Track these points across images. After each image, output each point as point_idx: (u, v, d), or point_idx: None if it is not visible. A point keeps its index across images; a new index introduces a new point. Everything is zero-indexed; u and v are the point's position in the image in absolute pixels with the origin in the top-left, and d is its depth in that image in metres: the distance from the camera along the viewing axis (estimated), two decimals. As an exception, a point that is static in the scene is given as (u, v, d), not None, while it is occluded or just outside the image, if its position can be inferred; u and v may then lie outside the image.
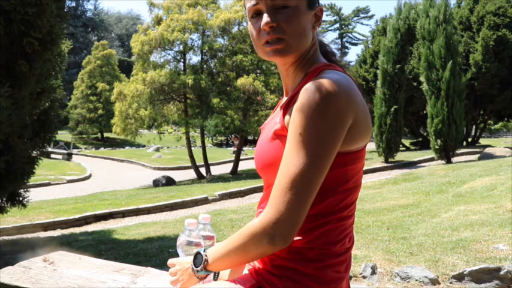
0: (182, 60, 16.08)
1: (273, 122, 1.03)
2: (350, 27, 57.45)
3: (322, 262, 0.94)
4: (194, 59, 17.12)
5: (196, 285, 1.08)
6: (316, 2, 1.02)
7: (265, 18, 0.96)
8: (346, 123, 0.89)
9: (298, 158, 0.87)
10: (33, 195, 5.68)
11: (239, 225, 5.64)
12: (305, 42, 1.00)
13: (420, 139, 20.23)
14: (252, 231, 0.91)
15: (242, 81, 14.30)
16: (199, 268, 1.01)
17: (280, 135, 0.96)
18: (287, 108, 0.97)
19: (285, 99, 1.08)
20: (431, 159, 13.47)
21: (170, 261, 1.14)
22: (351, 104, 0.90)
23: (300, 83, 0.99)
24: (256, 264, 1.02)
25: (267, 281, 0.97)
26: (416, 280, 2.83)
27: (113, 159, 24.42)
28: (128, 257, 4.24)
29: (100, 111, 31.55)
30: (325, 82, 0.89)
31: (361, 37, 55.07)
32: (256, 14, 0.99)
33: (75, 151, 26.70)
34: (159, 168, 19.61)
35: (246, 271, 1.08)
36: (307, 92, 0.89)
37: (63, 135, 30.22)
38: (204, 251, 1.03)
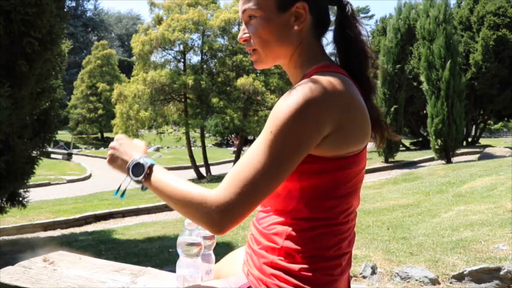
0: (182, 60, 16.08)
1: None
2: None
3: (312, 265, 0.93)
4: (194, 59, 17.16)
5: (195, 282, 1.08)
6: (290, 2, 0.95)
7: (240, 32, 1.02)
8: (321, 130, 0.86)
9: (263, 155, 0.86)
10: (33, 195, 5.68)
11: (239, 225, 5.63)
12: (279, 49, 0.99)
13: (420, 139, 20.23)
14: (202, 197, 0.88)
15: (242, 81, 14.30)
16: (137, 178, 0.99)
17: None
18: None
19: None
20: (431, 159, 13.47)
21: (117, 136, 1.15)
22: (332, 109, 0.86)
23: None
24: (250, 264, 1.02)
25: (257, 281, 0.97)
26: (416, 280, 2.83)
27: (113, 159, 24.37)
28: (128, 257, 4.24)
29: (100, 111, 31.56)
30: (306, 86, 0.87)
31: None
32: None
33: (75, 151, 26.71)
34: (159, 168, 19.57)
35: (240, 271, 1.08)
36: (287, 94, 0.88)
37: (63, 135, 30.22)
38: (149, 165, 0.99)
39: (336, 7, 1.03)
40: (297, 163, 0.87)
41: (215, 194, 0.87)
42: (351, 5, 1.02)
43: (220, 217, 0.86)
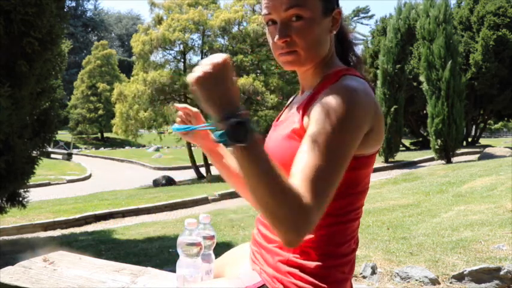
0: (182, 60, 16.08)
1: (290, 120, 1.01)
2: (350, 27, 57.38)
3: (327, 262, 0.94)
4: (194, 59, 17.11)
5: (204, 281, 1.08)
6: (332, 7, 0.98)
7: (278, 33, 0.95)
8: (364, 130, 0.90)
9: (323, 158, 0.83)
10: (33, 195, 5.68)
11: (239, 225, 5.64)
12: (320, 51, 0.99)
13: (420, 139, 20.24)
14: (298, 195, 0.77)
15: (242, 81, 14.30)
16: (237, 143, 0.76)
17: (298, 135, 0.94)
18: (306, 110, 0.96)
19: (299, 97, 1.10)
20: (431, 159, 13.47)
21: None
22: (370, 111, 0.90)
23: (318, 85, 0.99)
24: (262, 262, 1.02)
25: (272, 279, 0.97)
26: (416, 280, 2.83)
27: (113, 159, 24.43)
28: (128, 257, 4.24)
29: (100, 111, 31.57)
30: (349, 90, 0.89)
31: (361, 37, 55.06)
32: (272, 22, 0.97)
33: (75, 151, 26.72)
34: (159, 168, 19.61)
35: (249, 268, 1.07)
36: (333, 97, 0.88)
37: (63, 135, 30.22)
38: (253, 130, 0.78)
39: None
40: (348, 162, 0.88)
41: (305, 195, 0.78)
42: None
43: (304, 223, 0.77)
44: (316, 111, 0.89)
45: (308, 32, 0.94)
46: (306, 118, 0.94)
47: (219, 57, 0.82)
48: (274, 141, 1.02)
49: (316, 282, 0.93)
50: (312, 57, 0.98)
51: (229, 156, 1.23)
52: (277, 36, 0.95)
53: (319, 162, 0.82)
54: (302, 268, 0.94)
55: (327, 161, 0.83)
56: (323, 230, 0.95)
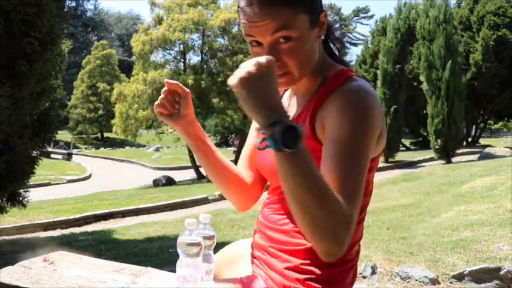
0: (182, 60, 16.09)
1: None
2: (350, 27, 57.48)
3: (336, 268, 0.93)
4: (194, 59, 17.15)
5: (204, 285, 1.08)
6: (317, 15, 0.92)
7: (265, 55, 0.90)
8: (378, 131, 0.89)
9: (351, 168, 0.82)
10: (33, 195, 5.67)
11: (239, 225, 5.64)
12: (312, 65, 0.95)
13: (420, 139, 20.24)
14: (339, 202, 0.75)
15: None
16: (287, 148, 0.72)
17: (308, 147, 0.89)
18: (314, 115, 0.92)
19: (293, 98, 1.06)
20: (431, 159, 13.47)
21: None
22: (381, 112, 0.90)
23: (320, 88, 0.96)
24: (266, 267, 1.00)
25: (279, 286, 0.95)
26: (416, 280, 2.83)
27: (113, 159, 24.44)
28: (128, 257, 4.24)
29: (100, 111, 31.57)
30: (361, 93, 0.88)
31: (361, 37, 55.11)
32: (256, 43, 0.91)
33: (75, 151, 26.72)
34: (159, 168, 19.61)
35: (251, 272, 1.07)
36: (347, 103, 0.87)
37: (63, 135, 30.21)
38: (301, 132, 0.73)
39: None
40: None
41: (347, 208, 0.76)
42: None
43: (347, 234, 0.75)
44: (333, 118, 0.86)
45: (299, 51, 0.89)
46: (318, 124, 0.91)
47: (263, 58, 0.76)
48: None
49: (333, 287, 0.92)
50: (305, 72, 0.94)
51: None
52: None
53: (348, 170, 0.81)
54: (311, 275, 0.92)
55: (354, 168, 0.82)
56: None
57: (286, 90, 1.12)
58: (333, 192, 0.75)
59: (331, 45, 1.06)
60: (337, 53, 1.06)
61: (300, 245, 0.94)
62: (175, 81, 1.09)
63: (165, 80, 1.07)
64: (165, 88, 1.06)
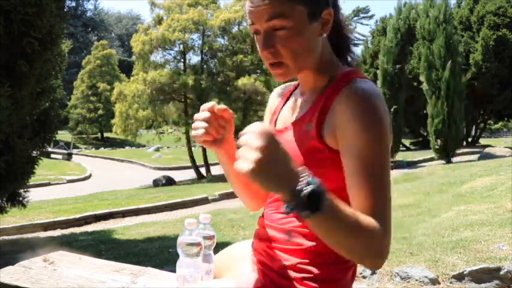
0: (182, 60, 16.09)
1: (302, 128, 0.96)
2: (350, 27, 57.36)
3: (334, 267, 0.93)
4: (194, 59, 17.17)
5: (204, 281, 1.08)
6: (320, 9, 0.92)
7: (262, 43, 0.91)
8: (391, 138, 0.91)
9: (377, 177, 0.85)
10: (33, 195, 5.67)
11: (239, 225, 5.64)
12: (310, 58, 0.95)
13: (420, 139, 20.24)
14: (371, 229, 0.80)
15: (244, 81, 14.33)
16: (314, 213, 0.71)
17: (313, 147, 0.92)
18: (323, 117, 0.92)
19: (300, 96, 1.05)
20: (431, 159, 13.48)
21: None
22: (388, 113, 0.90)
23: (327, 88, 0.95)
24: (264, 265, 1.00)
25: (276, 284, 0.95)
26: (416, 280, 2.83)
27: (113, 159, 24.43)
28: (128, 257, 4.24)
29: (100, 111, 31.57)
30: (369, 95, 0.88)
31: (361, 37, 55.10)
32: (258, 32, 0.93)
33: (75, 151, 26.72)
34: (159, 168, 19.61)
35: (250, 269, 1.07)
36: (357, 106, 0.86)
37: (63, 135, 30.22)
38: (320, 190, 0.72)
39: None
40: None
41: (378, 224, 0.80)
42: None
43: (386, 249, 0.82)
44: (348, 129, 0.86)
45: (292, 41, 0.89)
46: (327, 129, 0.90)
47: (262, 136, 0.71)
48: (288, 142, 0.94)
49: (331, 285, 0.92)
50: (301, 65, 0.94)
51: None
52: (261, 46, 0.92)
53: (377, 188, 0.84)
54: (309, 274, 0.92)
55: (382, 186, 0.84)
56: None
57: (295, 88, 1.11)
58: (365, 225, 0.79)
59: (346, 56, 1.04)
60: (350, 56, 1.05)
61: (299, 244, 0.94)
62: (224, 106, 1.02)
63: (216, 106, 1.00)
64: (207, 115, 1.00)
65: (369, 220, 0.80)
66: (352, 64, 1.03)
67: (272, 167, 0.70)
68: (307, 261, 0.93)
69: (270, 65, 0.94)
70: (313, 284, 0.91)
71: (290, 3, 0.88)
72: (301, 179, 0.71)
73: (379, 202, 0.83)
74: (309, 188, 0.70)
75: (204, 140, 1.01)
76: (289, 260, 0.95)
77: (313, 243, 0.93)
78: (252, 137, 0.71)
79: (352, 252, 0.80)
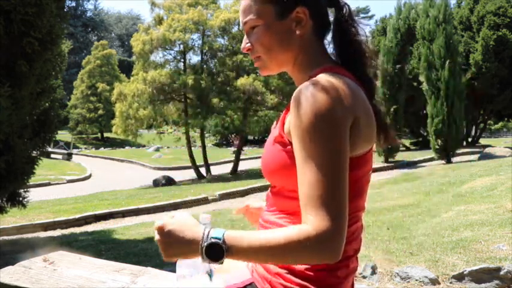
0: (182, 60, 16.09)
1: (276, 127, 1.02)
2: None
3: (318, 265, 0.93)
4: (194, 58, 17.18)
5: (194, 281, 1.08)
6: (290, 8, 0.97)
7: (242, 43, 1.06)
8: (345, 124, 0.86)
9: (324, 168, 0.84)
10: (33, 195, 5.67)
11: (239, 225, 5.64)
12: (283, 54, 1.01)
13: (420, 139, 20.24)
14: (305, 236, 0.81)
15: (243, 81, 14.32)
16: (220, 261, 0.85)
17: (279, 142, 0.95)
18: (284, 117, 0.96)
19: None
20: (431, 159, 13.47)
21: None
22: (345, 107, 0.86)
23: None
24: (256, 264, 1.02)
25: (262, 279, 0.98)
26: (416, 280, 2.83)
27: (113, 159, 24.43)
28: (128, 257, 4.24)
29: (100, 111, 31.56)
30: (313, 89, 0.86)
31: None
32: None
33: (75, 151, 26.71)
34: (159, 168, 19.61)
35: (244, 267, 1.08)
36: (297, 102, 0.87)
37: (63, 135, 30.21)
38: (220, 239, 0.85)
39: (333, 9, 1.03)
40: (348, 159, 0.87)
41: (313, 227, 0.82)
42: (348, 5, 1.03)
43: (332, 243, 0.82)
44: (291, 124, 0.89)
45: (262, 37, 1.00)
46: (286, 125, 0.94)
47: (157, 232, 0.94)
48: (265, 148, 1.02)
49: (305, 284, 0.92)
50: (275, 60, 1.02)
51: None
52: (242, 45, 1.06)
53: (317, 177, 0.84)
54: (291, 270, 0.94)
55: (322, 172, 0.84)
56: None
57: None
58: (292, 237, 0.82)
59: (349, 56, 1.03)
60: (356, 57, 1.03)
61: None
62: (238, 210, 1.34)
63: (234, 212, 1.34)
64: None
65: (299, 229, 0.82)
66: (356, 62, 1.02)
67: (173, 247, 0.91)
68: None
69: (253, 60, 1.06)
70: (296, 280, 0.93)
71: (260, 4, 0.99)
72: (201, 238, 0.86)
73: (317, 193, 0.83)
74: (205, 247, 0.85)
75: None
76: None
77: None
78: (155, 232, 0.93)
79: (304, 261, 0.87)
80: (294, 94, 0.89)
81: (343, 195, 0.84)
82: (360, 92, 0.94)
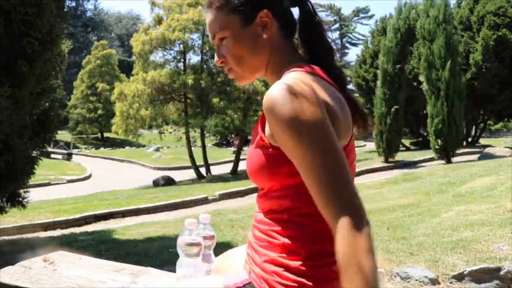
0: (182, 60, 16.09)
1: (256, 130, 1.02)
2: (350, 27, 57.42)
3: (313, 260, 0.94)
4: (194, 58, 17.15)
5: (194, 277, 1.08)
6: (254, 14, 0.99)
7: (215, 57, 1.06)
8: (325, 118, 0.87)
9: (320, 160, 0.85)
10: (33, 195, 5.67)
11: (239, 225, 5.63)
12: (254, 60, 1.02)
13: (420, 139, 20.23)
14: (345, 232, 0.82)
15: (242, 81, 14.32)
16: None
17: (261, 146, 0.97)
18: (263, 120, 0.97)
19: None
20: (431, 159, 13.47)
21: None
22: (317, 100, 0.88)
23: None
24: (251, 262, 1.02)
25: (259, 279, 0.98)
26: (416, 280, 2.83)
27: (113, 159, 24.43)
28: (128, 257, 4.24)
29: (100, 111, 31.56)
30: (283, 92, 0.87)
31: (361, 37, 55.05)
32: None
33: (75, 151, 26.72)
34: (159, 168, 19.61)
35: (241, 269, 1.08)
36: (271, 108, 0.88)
37: (63, 135, 30.21)
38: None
39: (297, 7, 1.05)
40: (336, 139, 0.87)
41: (342, 220, 0.83)
42: (310, 2, 1.05)
43: (362, 221, 0.84)
44: (273, 131, 0.90)
45: (232, 48, 1.01)
46: (267, 128, 0.95)
47: None
48: (249, 151, 1.04)
49: (302, 280, 0.92)
50: (247, 67, 1.03)
51: None
52: (215, 58, 1.07)
53: (320, 172, 0.85)
54: (287, 267, 0.94)
55: (323, 165, 0.84)
56: (306, 228, 0.95)
57: None
58: (338, 244, 0.83)
59: (316, 51, 1.05)
60: (320, 49, 1.05)
61: (276, 239, 0.98)
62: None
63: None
64: None
65: (338, 232, 0.83)
66: (322, 57, 1.04)
67: None
68: (284, 255, 0.95)
69: (227, 72, 1.08)
70: (294, 277, 0.93)
71: (223, 16, 1.00)
72: None
73: (331, 201, 0.84)
74: None
75: None
76: (267, 254, 0.98)
77: (288, 238, 0.95)
78: None
79: (365, 247, 0.83)
80: (263, 101, 0.90)
81: (348, 180, 0.86)
82: (328, 85, 0.96)
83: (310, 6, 1.04)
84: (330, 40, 1.06)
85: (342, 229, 0.82)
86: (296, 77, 0.91)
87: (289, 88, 0.87)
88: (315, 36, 1.04)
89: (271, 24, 1.00)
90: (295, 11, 1.06)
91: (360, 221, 0.83)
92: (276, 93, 0.88)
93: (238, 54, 1.01)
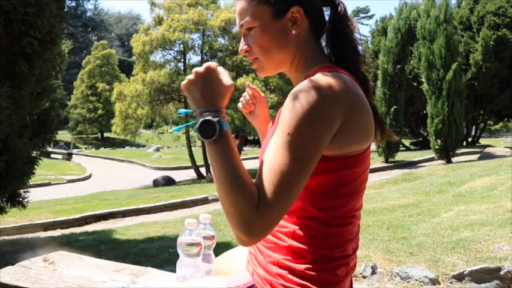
0: (182, 60, 16.09)
1: (273, 126, 1.04)
2: (352, 26, 57.30)
3: (318, 264, 0.93)
4: (194, 59, 17.14)
5: (196, 279, 1.08)
6: (286, 8, 0.98)
7: (240, 46, 1.06)
8: (331, 127, 0.87)
9: (284, 158, 0.85)
10: (33, 195, 5.67)
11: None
12: (280, 54, 1.01)
13: (420, 139, 20.23)
14: (253, 195, 0.82)
15: (242, 80, 14.31)
16: (203, 138, 0.87)
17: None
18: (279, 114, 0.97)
19: None
20: (432, 159, 13.47)
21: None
22: (337, 107, 0.87)
23: None
24: (255, 263, 1.02)
25: (262, 280, 0.97)
26: (417, 280, 2.83)
27: (113, 159, 24.43)
28: (128, 257, 4.24)
29: (100, 111, 31.58)
30: (311, 87, 0.87)
31: (361, 37, 54.92)
32: None
33: (75, 151, 26.73)
34: (159, 168, 19.61)
35: (244, 270, 1.08)
36: (294, 95, 0.88)
37: (63, 135, 30.22)
38: (220, 130, 0.87)
39: (329, 7, 1.04)
40: (316, 162, 0.87)
41: (265, 197, 0.82)
42: (343, 4, 1.03)
43: (257, 225, 0.82)
44: (281, 111, 0.91)
45: (259, 38, 1.00)
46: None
47: (202, 67, 0.92)
48: (265, 143, 1.04)
49: (306, 284, 0.92)
50: (272, 60, 1.02)
51: None
52: (239, 47, 1.06)
53: (281, 163, 0.84)
54: (291, 270, 0.93)
55: (289, 161, 0.84)
56: (313, 232, 0.94)
57: None
58: (245, 184, 0.83)
59: (344, 54, 1.03)
60: (350, 55, 1.03)
61: (282, 241, 0.97)
62: (254, 86, 1.35)
63: (247, 83, 1.35)
64: (246, 90, 1.35)
65: (258, 189, 0.83)
66: (350, 61, 1.03)
67: (197, 88, 0.90)
68: (289, 258, 0.95)
69: (251, 62, 1.06)
70: (297, 280, 0.92)
71: (255, 6, 0.99)
72: (212, 109, 0.89)
73: (276, 179, 0.83)
74: (209, 118, 0.87)
75: (241, 108, 1.39)
76: (272, 256, 0.97)
77: (295, 241, 0.95)
78: (196, 68, 0.92)
79: (223, 203, 0.85)
80: (291, 91, 0.90)
81: (297, 187, 0.85)
82: (357, 89, 0.94)
83: (343, 7, 1.02)
84: (359, 43, 1.04)
85: (249, 189, 0.83)
86: (326, 79, 0.90)
87: (316, 89, 0.87)
88: (342, 38, 1.02)
89: (301, 21, 0.99)
90: (326, 12, 1.06)
91: (260, 206, 0.82)
92: (304, 89, 0.88)
93: (264, 46, 1.00)
